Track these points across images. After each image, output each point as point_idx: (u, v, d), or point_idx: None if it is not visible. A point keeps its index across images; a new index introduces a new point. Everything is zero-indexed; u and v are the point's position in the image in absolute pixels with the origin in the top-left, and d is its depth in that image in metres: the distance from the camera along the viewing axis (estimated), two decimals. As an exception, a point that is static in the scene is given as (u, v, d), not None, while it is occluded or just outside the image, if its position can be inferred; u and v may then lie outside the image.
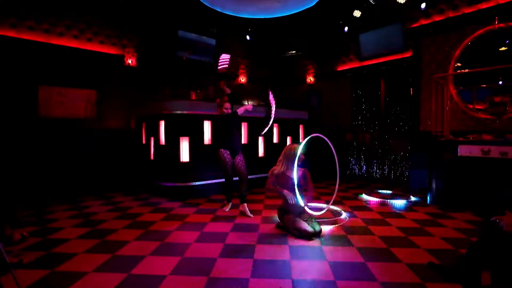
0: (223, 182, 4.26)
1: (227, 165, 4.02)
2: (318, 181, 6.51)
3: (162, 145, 5.08)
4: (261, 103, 7.52)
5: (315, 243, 2.92)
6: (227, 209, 4.15)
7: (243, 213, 3.94)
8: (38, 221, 3.66)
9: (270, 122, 4.62)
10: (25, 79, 5.26)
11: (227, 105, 4.10)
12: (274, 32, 7.85)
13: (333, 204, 4.46)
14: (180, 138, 4.90)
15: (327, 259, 2.54)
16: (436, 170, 4.46)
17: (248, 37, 7.69)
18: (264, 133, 4.72)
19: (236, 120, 4.18)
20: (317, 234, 3.06)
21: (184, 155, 4.92)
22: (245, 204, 3.98)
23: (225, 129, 4.08)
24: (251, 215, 3.87)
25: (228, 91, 4.34)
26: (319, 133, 3.60)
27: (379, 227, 3.40)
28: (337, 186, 3.49)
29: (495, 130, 4.16)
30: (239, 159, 4.08)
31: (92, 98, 6.02)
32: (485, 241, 1.90)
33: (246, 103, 6.54)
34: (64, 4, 5.63)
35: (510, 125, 4.26)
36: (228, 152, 4.03)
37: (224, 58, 4.52)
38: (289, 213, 3.25)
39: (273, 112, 4.51)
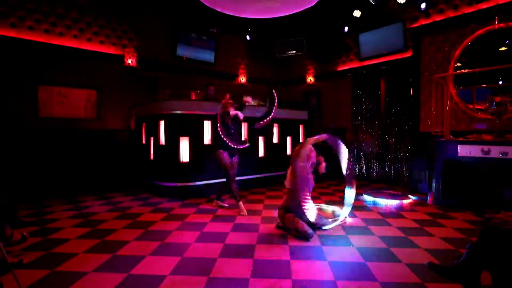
0: (228, 183, 4.15)
1: (228, 165, 4.07)
2: (318, 181, 6.50)
3: (162, 145, 5.08)
4: (261, 103, 7.53)
5: (315, 243, 2.92)
6: (245, 213, 3.97)
7: (219, 206, 4.35)
8: (38, 221, 3.66)
9: (271, 116, 4.63)
10: (25, 79, 5.26)
11: (231, 108, 4.15)
12: (274, 32, 7.85)
13: (333, 204, 4.46)
14: (180, 138, 4.90)
15: (327, 259, 2.54)
16: (436, 170, 4.46)
17: (248, 37, 7.69)
18: (261, 126, 4.70)
19: (235, 123, 4.26)
20: (323, 227, 3.26)
21: (184, 155, 4.92)
22: (219, 200, 4.39)
23: (226, 131, 4.11)
24: (226, 205, 4.36)
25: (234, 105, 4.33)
26: (319, 133, 3.60)
27: (379, 227, 3.40)
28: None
29: (495, 130, 4.16)
30: (236, 160, 4.20)
31: (92, 98, 6.02)
32: (485, 241, 1.90)
33: (246, 103, 6.54)
34: (64, 4, 5.63)
35: (510, 125, 4.25)
36: (227, 153, 4.08)
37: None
38: (290, 211, 3.24)
39: (274, 109, 4.57)
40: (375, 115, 6.79)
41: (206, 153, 5.08)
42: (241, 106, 4.35)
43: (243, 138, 5.53)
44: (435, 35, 5.44)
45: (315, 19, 7.14)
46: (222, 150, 4.07)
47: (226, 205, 4.39)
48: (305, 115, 6.98)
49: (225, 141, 4.06)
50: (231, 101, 4.20)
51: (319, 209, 4.25)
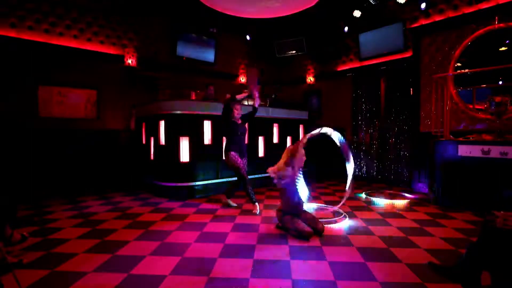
0: (240, 184, 4.18)
1: (242, 167, 4.08)
2: (319, 181, 6.51)
3: (162, 145, 5.08)
4: (261, 103, 7.53)
5: (315, 243, 2.92)
6: (258, 211, 4.00)
7: (226, 205, 4.39)
8: (38, 221, 3.66)
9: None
10: (25, 79, 5.26)
11: (238, 107, 4.17)
12: (274, 32, 7.85)
13: (333, 204, 4.46)
14: (180, 138, 4.90)
15: (327, 259, 2.54)
16: (436, 170, 4.46)
17: (248, 37, 7.69)
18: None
19: (244, 124, 4.31)
20: (320, 233, 3.09)
21: (184, 155, 4.92)
22: (228, 200, 4.41)
23: (235, 133, 4.14)
24: (234, 204, 4.37)
25: (258, 102, 4.33)
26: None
27: (379, 227, 3.40)
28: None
29: (495, 130, 4.16)
30: (245, 162, 4.22)
31: (92, 98, 6.02)
32: (485, 241, 1.90)
33: (246, 103, 6.55)
34: (64, 4, 5.63)
35: (510, 125, 4.26)
36: (238, 154, 4.11)
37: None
38: (288, 213, 3.25)
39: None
40: (375, 115, 6.79)
41: (206, 153, 5.09)
42: (233, 96, 4.23)
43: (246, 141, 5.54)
44: (435, 35, 5.44)
45: (315, 19, 7.14)
46: (234, 153, 4.07)
47: (235, 204, 4.38)
48: (305, 115, 6.98)
49: (236, 142, 4.08)
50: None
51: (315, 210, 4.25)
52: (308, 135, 3.47)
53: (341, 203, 3.90)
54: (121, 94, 6.34)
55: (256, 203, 4.07)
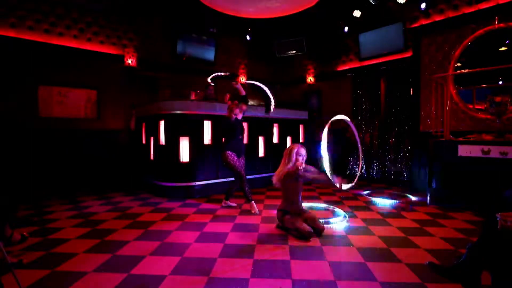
0: (239, 184, 4.16)
1: (237, 165, 4.10)
2: (318, 181, 6.50)
3: (162, 145, 5.08)
4: (261, 103, 7.54)
5: (315, 243, 2.92)
6: (256, 211, 4.01)
7: (228, 206, 4.36)
8: (38, 221, 3.66)
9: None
10: (25, 79, 5.26)
11: (237, 110, 4.19)
12: (274, 32, 7.85)
13: (333, 204, 4.46)
14: (180, 138, 4.90)
15: (327, 259, 2.54)
16: (436, 170, 4.46)
17: (248, 37, 7.69)
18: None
19: (242, 125, 4.33)
20: (320, 233, 3.09)
21: (184, 155, 4.92)
22: (228, 201, 4.38)
23: (233, 133, 4.16)
24: (234, 204, 4.34)
25: (243, 92, 4.42)
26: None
27: (379, 227, 3.40)
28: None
29: (495, 130, 4.16)
30: (243, 161, 4.24)
31: (92, 98, 6.03)
32: (485, 241, 1.90)
33: (251, 102, 6.58)
34: (64, 4, 5.63)
35: (510, 125, 4.26)
36: (235, 154, 4.12)
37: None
38: (288, 213, 3.25)
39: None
40: (375, 115, 6.79)
41: (206, 153, 5.09)
42: (245, 98, 4.38)
43: (245, 140, 5.55)
44: (435, 35, 5.44)
45: (315, 19, 7.14)
46: (230, 152, 4.09)
47: (235, 204, 4.39)
48: (305, 115, 6.98)
49: (233, 143, 4.11)
50: (236, 102, 4.24)
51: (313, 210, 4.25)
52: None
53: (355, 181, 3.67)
54: (121, 94, 6.35)
55: (252, 201, 4.09)
